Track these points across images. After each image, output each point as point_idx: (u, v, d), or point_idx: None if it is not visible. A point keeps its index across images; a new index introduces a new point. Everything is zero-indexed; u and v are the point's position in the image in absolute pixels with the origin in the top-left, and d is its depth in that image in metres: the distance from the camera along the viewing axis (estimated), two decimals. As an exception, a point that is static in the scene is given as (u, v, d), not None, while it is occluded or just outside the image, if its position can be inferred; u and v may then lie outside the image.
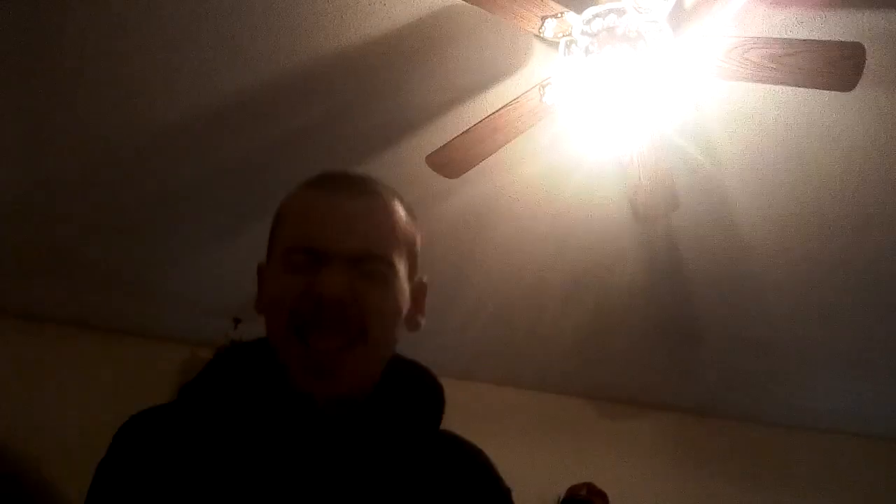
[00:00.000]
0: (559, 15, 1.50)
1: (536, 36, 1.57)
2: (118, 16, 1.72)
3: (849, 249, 2.37)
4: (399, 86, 1.88)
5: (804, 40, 1.47)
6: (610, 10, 1.51)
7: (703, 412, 3.69)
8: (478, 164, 1.82)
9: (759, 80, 1.53)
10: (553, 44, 1.62)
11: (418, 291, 0.86)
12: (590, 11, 1.52)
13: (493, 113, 1.70)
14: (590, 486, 3.29)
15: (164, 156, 2.18)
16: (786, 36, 1.53)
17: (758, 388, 3.41)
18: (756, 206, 2.23)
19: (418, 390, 0.86)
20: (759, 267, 2.52)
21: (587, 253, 2.51)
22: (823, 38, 1.50)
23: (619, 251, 2.49)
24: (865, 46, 1.43)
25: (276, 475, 0.73)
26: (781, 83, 1.53)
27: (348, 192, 0.80)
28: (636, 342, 3.08)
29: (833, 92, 1.59)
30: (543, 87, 1.65)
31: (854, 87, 1.49)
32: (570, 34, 1.55)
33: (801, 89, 1.63)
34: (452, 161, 1.82)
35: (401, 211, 0.83)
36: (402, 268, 0.81)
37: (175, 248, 2.65)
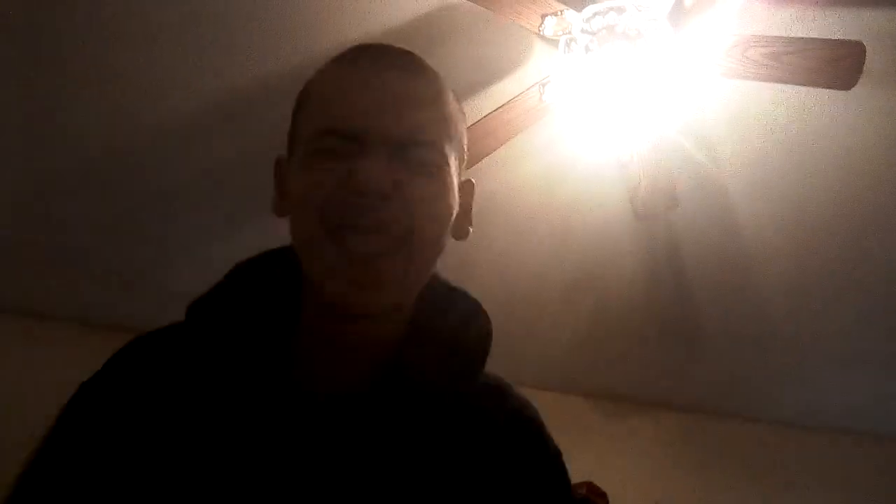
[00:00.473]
0: (559, 13, 1.50)
1: (536, 34, 1.57)
2: (118, 16, 1.72)
3: (848, 249, 2.37)
4: (398, 84, 1.88)
5: (804, 38, 1.47)
6: (610, 8, 1.51)
7: (703, 411, 3.69)
8: (477, 163, 1.81)
9: (759, 79, 1.53)
10: (553, 42, 1.62)
11: (467, 193, 0.74)
12: (590, 9, 1.52)
13: (492, 111, 1.70)
14: (590, 486, 3.28)
15: (163, 155, 2.18)
16: (786, 34, 1.52)
17: (758, 387, 3.41)
18: (756, 205, 2.23)
19: (460, 328, 0.72)
20: (759, 265, 2.51)
21: (587, 252, 2.50)
22: (824, 37, 1.49)
23: (618, 250, 2.49)
24: (865, 45, 1.43)
25: (282, 442, 0.64)
26: (781, 81, 1.53)
27: (392, 67, 0.67)
28: (636, 341, 3.08)
29: (833, 90, 1.58)
30: (543, 85, 1.65)
31: (854, 86, 1.49)
32: (569, 32, 1.54)
33: (801, 88, 1.63)
34: (451, 160, 1.82)
35: (451, 95, 0.71)
36: (453, 161, 0.68)
37: (175, 246, 2.65)
